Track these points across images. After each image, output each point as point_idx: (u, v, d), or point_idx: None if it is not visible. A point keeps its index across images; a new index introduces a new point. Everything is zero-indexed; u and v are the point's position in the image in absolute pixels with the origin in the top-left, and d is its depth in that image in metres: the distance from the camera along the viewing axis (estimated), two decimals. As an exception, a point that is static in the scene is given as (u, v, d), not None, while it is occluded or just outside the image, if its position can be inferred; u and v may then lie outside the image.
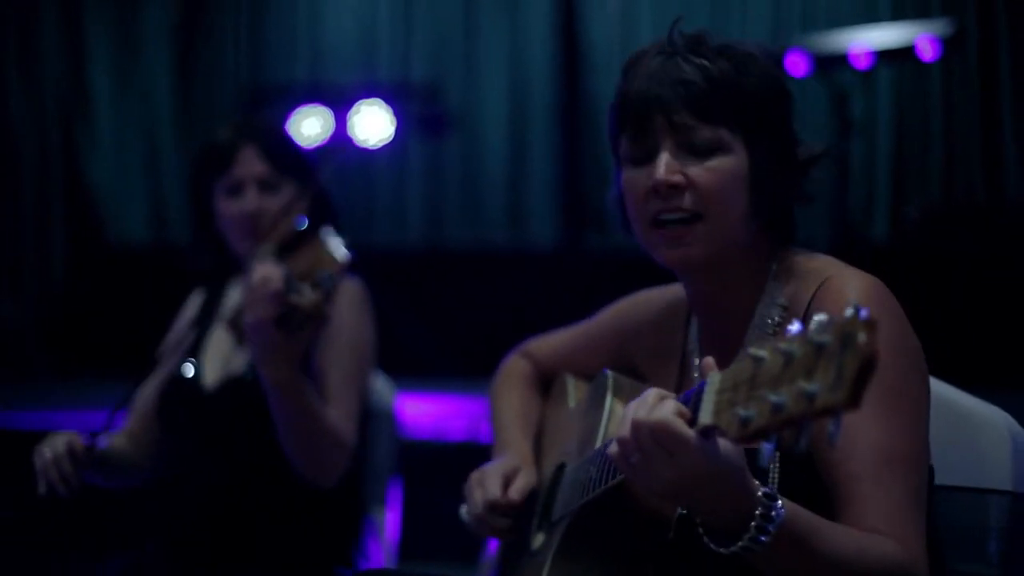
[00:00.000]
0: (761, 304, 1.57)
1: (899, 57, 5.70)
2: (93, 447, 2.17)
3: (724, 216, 1.54)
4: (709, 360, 1.28)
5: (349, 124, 6.86)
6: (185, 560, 2.22)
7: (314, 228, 2.37)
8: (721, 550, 1.29)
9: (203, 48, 7.83)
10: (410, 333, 5.56)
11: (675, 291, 1.75)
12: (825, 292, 1.51)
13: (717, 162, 1.54)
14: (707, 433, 1.24)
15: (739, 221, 1.56)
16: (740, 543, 1.28)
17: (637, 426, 1.29)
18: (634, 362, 1.81)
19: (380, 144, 7.00)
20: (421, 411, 4.68)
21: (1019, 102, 6.26)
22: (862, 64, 5.53)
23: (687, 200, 1.54)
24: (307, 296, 2.03)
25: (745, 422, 1.15)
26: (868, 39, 5.61)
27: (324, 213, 2.42)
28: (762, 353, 1.16)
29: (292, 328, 2.04)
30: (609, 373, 1.68)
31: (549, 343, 2.01)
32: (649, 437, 1.28)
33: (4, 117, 6.66)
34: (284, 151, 2.40)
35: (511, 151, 7.57)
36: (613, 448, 1.33)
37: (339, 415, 2.27)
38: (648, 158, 1.56)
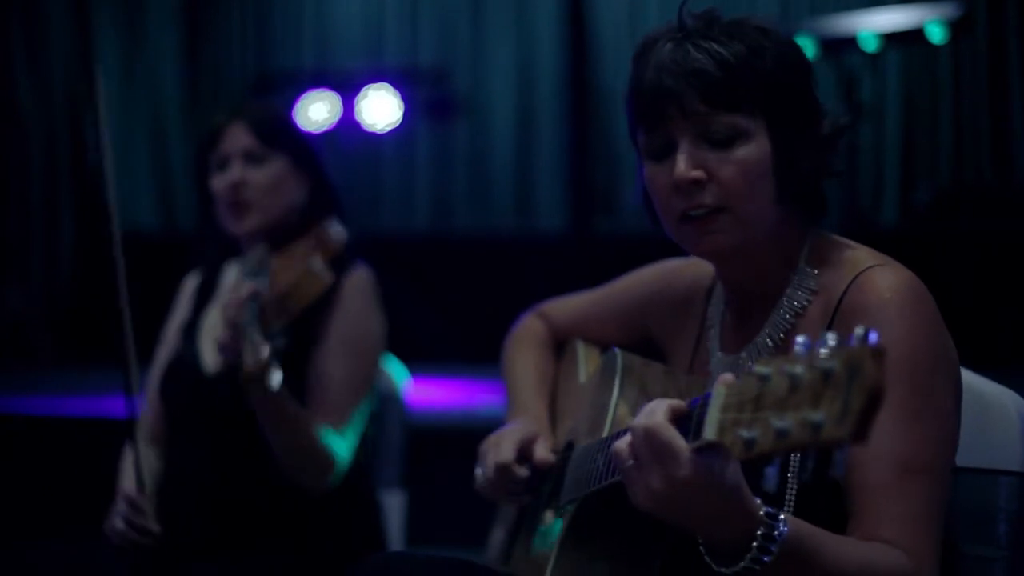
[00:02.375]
0: (790, 287, 1.54)
1: (908, 40, 5.68)
2: (142, 488, 2.17)
3: (749, 205, 1.50)
4: (728, 376, 1.23)
5: (357, 109, 6.85)
6: (192, 546, 2.22)
7: (315, 214, 2.37)
8: (723, 570, 1.27)
9: (210, 35, 7.82)
10: (417, 318, 5.56)
11: (697, 263, 1.71)
12: (860, 287, 1.46)
13: (738, 152, 1.49)
14: (703, 447, 1.22)
15: (766, 207, 1.51)
16: (742, 563, 1.25)
17: (634, 430, 1.27)
18: (650, 332, 1.79)
19: (388, 129, 7.00)
20: (429, 396, 4.68)
21: (1028, 84, 6.24)
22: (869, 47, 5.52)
23: (710, 194, 1.49)
24: (253, 354, 2.03)
25: (749, 444, 1.13)
26: (876, 22, 5.59)
27: (324, 195, 2.41)
28: (767, 371, 1.13)
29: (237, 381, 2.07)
30: (619, 352, 1.65)
31: (566, 306, 1.97)
32: (643, 443, 1.26)
33: (12, 105, 6.67)
34: (271, 124, 2.37)
35: (519, 136, 7.56)
36: (616, 447, 1.31)
37: (333, 421, 2.26)
38: (667, 152, 1.52)
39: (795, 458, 1.38)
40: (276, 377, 2.08)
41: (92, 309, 6.79)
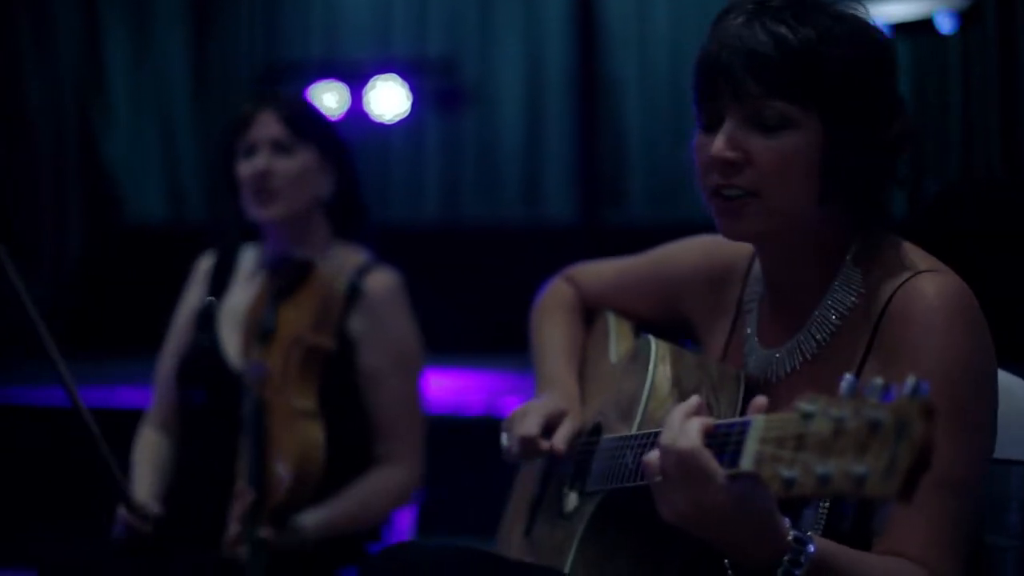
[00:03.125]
0: (834, 285, 1.50)
1: (917, 30, 5.66)
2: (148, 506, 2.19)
3: (783, 196, 1.44)
4: (760, 401, 1.22)
5: (365, 99, 6.85)
6: (204, 536, 2.21)
7: (338, 206, 2.37)
8: None
9: (218, 25, 7.82)
10: (427, 309, 5.56)
11: (734, 243, 1.63)
12: (908, 293, 1.42)
13: (783, 140, 1.43)
14: (738, 475, 1.21)
15: (803, 202, 1.46)
16: None
17: (666, 451, 1.26)
18: (683, 308, 1.75)
19: (396, 119, 6.99)
20: (439, 386, 4.68)
21: (1038, 75, 6.22)
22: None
23: (745, 177, 1.44)
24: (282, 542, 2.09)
25: (789, 483, 1.11)
26: (884, 11, 5.57)
27: (349, 188, 2.41)
28: (812, 410, 1.11)
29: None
30: (652, 340, 1.61)
31: (597, 273, 1.92)
32: (675, 465, 1.25)
33: (21, 99, 6.68)
34: (302, 116, 2.38)
35: (527, 126, 7.55)
36: (647, 460, 1.30)
37: (399, 452, 2.31)
38: (715, 126, 1.47)
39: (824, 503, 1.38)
40: (304, 533, 2.14)
41: (100, 302, 6.82)
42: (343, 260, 2.37)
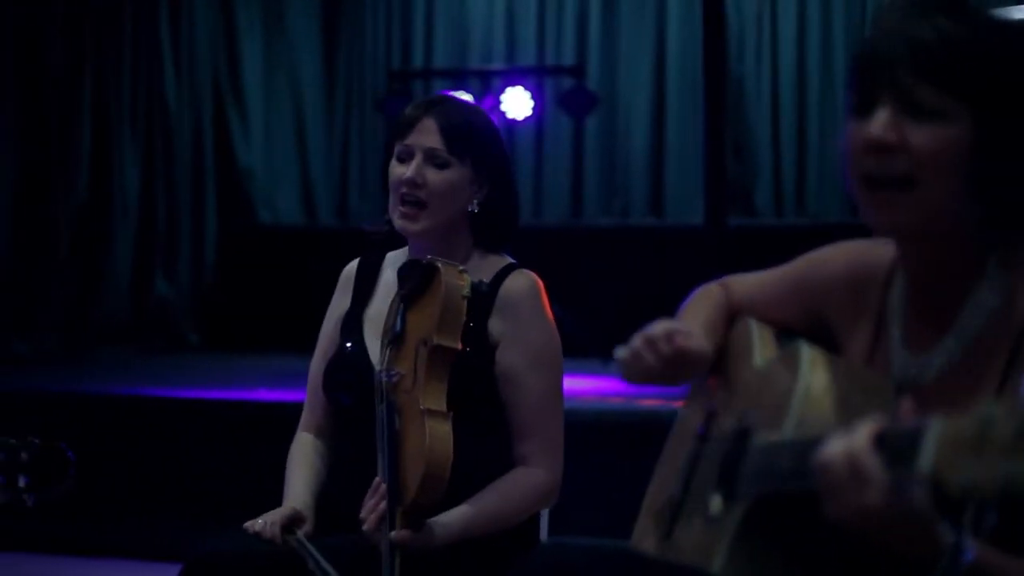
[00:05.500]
0: (979, 287, 1.50)
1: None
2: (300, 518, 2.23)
3: (938, 186, 1.44)
4: (908, 404, 1.25)
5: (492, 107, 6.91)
6: (355, 529, 2.22)
7: (487, 220, 2.37)
8: None
9: (348, 31, 7.97)
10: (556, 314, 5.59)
11: (878, 248, 1.64)
12: None
13: (935, 129, 1.44)
14: (901, 478, 1.22)
15: (954, 196, 1.45)
16: None
17: (833, 451, 1.29)
18: (826, 316, 1.74)
19: (521, 121, 7.02)
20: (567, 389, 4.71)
21: None
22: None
23: (901, 163, 1.45)
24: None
25: (969, 483, 1.13)
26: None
27: (502, 199, 2.39)
28: (993, 411, 1.13)
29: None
30: (804, 344, 1.60)
31: (747, 282, 1.91)
32: (843, 466, 1.28)
33: (161, 101, 6.87)
34: (461, 131, 2.33)
35: (653, 132, 7.56)
36: (817, 460, 1.32)
37: (539, 453, 2.29)
38: (868, 111, 1.48)
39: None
40: (439, 532, 2.14)
41: (234, 302, 6.99)
42: (485, 265, 2.37)
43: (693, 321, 1.84)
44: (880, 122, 1.45)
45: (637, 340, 1.74)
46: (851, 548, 1.45)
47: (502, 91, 6.66)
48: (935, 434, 1.18)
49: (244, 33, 7.39)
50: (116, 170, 6.61)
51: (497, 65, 7.58)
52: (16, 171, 6.23)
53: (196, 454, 4.56)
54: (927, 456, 1.18)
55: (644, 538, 1.84)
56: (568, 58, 7.69)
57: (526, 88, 6.74)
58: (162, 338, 6.76)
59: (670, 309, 2.02)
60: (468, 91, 6.65)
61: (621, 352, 1.76)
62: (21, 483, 1.89)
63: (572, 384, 4.94)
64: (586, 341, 5.84)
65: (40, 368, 5.99)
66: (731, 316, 1.90)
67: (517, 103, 6.59)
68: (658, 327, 1.74)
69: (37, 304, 6.28)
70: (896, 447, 1.24)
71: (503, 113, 6.64)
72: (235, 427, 4.58)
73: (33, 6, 6.28)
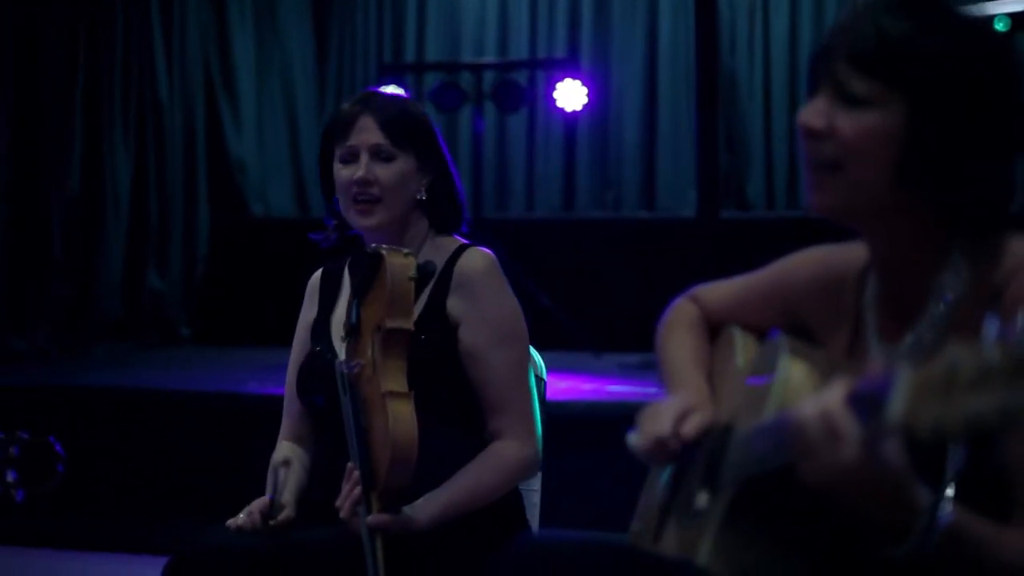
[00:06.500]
0: (943, 274, 1.52)
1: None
2: (275, 502, 2.25)
3: (863, 170, 1.50)
4: (877, 361, 1.26)
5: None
6: (335, 524, 2.23)
7: (436, 204, 2.39)
8: (890, 549, 1.31)
9: (340, 26, 7.96)
10: (544, 306, 5.60)
11: (849, 251, 1.70)
12: (1018, 281, 1.45)
13: (864, 115, 1.49)
14: (878, 431, 1.24)
15: (882, 180, 1.50)
16: (904, 547, 1.29)
17: (806, 412, 1.31)
18: (803, 319, 1.77)
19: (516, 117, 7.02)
20: (557, 382, 4.72)
21: None
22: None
23: (828, 148, 1.51)
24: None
25: (938, 424, 1.15)
26: (1005, 3, 5.44)
27: (447, 187, 2.44)
28: (959, 353, 1.14)
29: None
30: (784, 336, 1.63)
31: (718, 291, 1.95)
32: (816, 425, 1.30)
33: (153, 98, 6.86)
34: (401, 124, 2.39)
35: (645, 125, 7.57)
36: (793, 422, 1.34)
37: (510, 425, 2.30)
38: (811, 100, 1.56)
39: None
40: (418, 515, 2.16)
41: (226, 294, 6.99)
42: (439, 248, 2.40)
43: (679, 356, 1.87)
44: (812, 109, 1.53)
45: (648, 439, 1.74)
46: (834, 526, 1.47)
47: (555, 84, 6.63)
48: (904, 382, 1.19)
49: (236, 27, 7.38)
50: (108, 164, 6.59)
51: (489, 58, 7.58)
52: (8, 165, 6.21)
53: (187, 447, 4.57)
54: (897, 404, 1.19)
55: (637, 542, 1.86)
56: (560, 51, 7.69)
57: (519, 80, 6.73)
58: (154, 332, 6.76)
59: (662, 302, 2.03)
60: (463, 85, 6.65)
61: (634, 440, 1.76)
62: (9, 478, 1.89)
63: (564, 377, 4.99)
64: (578, 334, 5.86)
65: (34, 363, 5.99)
66: (711, 330, 1.93)
67: (571, 95, 6.56)
68: (663, 421, 1.73)
69: (30, 299, 6.27)
70: (868, 401, 1.26)
71: (557, 104, 6.62)
72: (227, 420, 4.58)
73: (28, 4, 6.27)
